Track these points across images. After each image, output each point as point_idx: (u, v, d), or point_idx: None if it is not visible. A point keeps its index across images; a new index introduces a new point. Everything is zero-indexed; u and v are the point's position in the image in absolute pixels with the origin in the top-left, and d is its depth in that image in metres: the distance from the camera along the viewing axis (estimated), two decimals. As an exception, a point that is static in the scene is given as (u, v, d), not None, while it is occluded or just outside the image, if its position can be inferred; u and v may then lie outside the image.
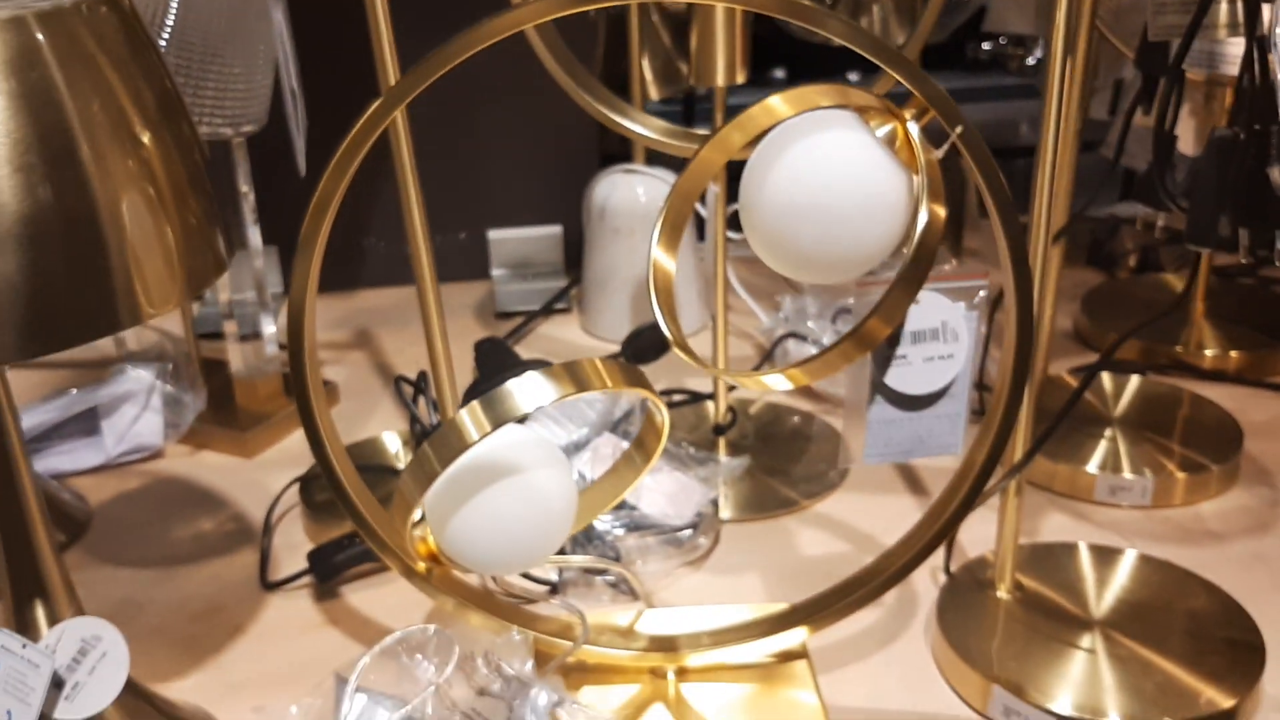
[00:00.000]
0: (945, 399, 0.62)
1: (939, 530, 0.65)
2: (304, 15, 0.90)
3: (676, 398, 1.06)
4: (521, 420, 0.66)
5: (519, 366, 1.06)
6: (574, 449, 0.91)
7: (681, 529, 0.85)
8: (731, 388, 1.00)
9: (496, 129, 1.36)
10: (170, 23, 0.76)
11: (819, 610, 0.69)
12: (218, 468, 1.02)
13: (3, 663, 0.61)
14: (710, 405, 1.01)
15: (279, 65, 0.79)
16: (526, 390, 0.60)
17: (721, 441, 0.99)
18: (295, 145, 0.82)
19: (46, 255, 0.50)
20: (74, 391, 1.05)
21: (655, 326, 1.10)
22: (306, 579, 0.85)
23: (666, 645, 0.70)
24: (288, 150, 0.88)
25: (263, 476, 1.00)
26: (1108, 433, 0.96)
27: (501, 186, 1.40)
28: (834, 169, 0.55)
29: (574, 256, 1.39)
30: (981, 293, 0.60)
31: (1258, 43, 0.60)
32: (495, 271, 1.40)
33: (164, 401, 1.05)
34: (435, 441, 0.60)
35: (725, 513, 0.91)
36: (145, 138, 0.53)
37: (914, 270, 0.54)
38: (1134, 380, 1.04)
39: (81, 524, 0.94)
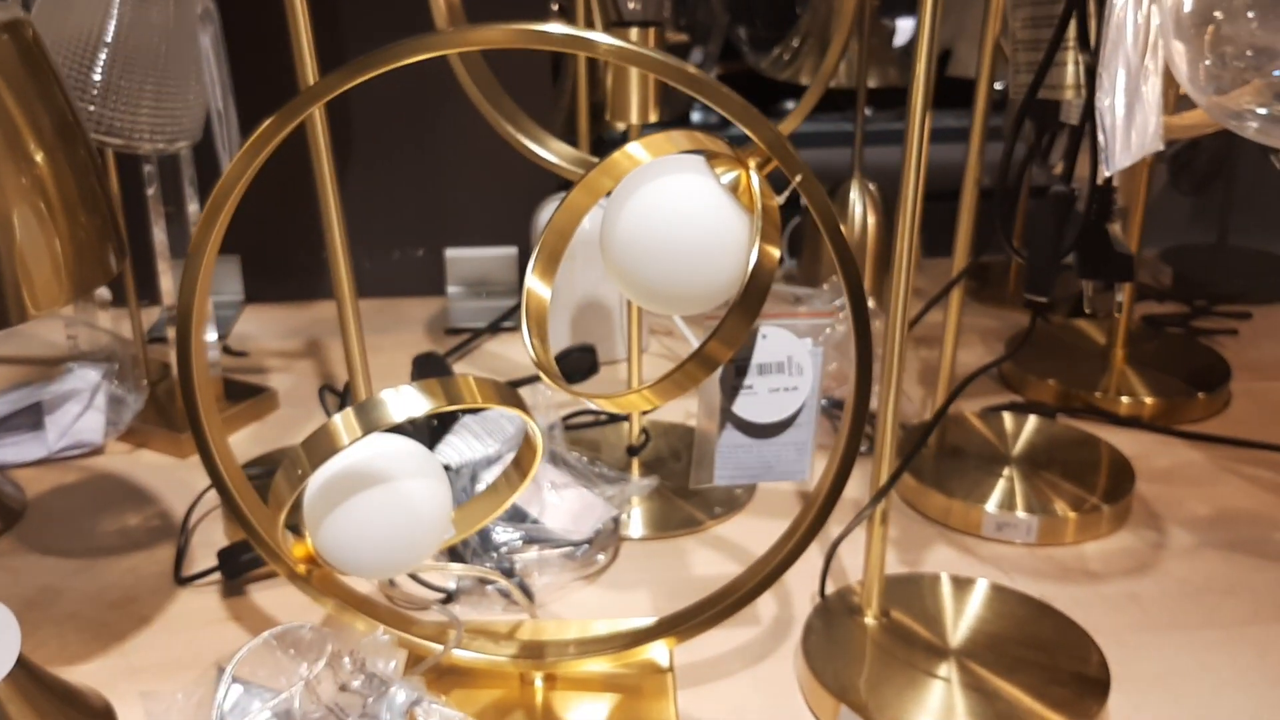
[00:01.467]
0: (792, 428, 0.66)
1: (788, 553, 0.69)
2: (241, 38, 0.94)
3: (597, 417, 1.10)
4: (416, 430, 0.70)
5: (447, 382, 1.10)
6: (488, 463, 0.95)
7: (579, 544, 0.89)
8: (646, 411, 1.03)
9: (459, 150, 1.41)
10: (108, 41, 0.81)
11: (680, 624, 0.72)
12: (153, 466, 1.07)
13: (-105, 637, 0.65)
14: (626, 426, 1.05)
15: (209, 89, 0.83)
16: (399, 401, 0.64)
17: (635, 462, 1.03)
18: (221, 164, 0.86)
19: None
20: (23, 389, 1.09)
21: (583, 348, 1.15)
22: (216, 576, 0.89)
23: (535, 652, 0.74)
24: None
25: (194, 477, 1.04)
26: (1006, 471, 0.99)
27: (461, 206, 1.45)
28: (677, 210, 0.59)
29: (528, 277, 1.43)
30: (827, 330, 0.64)
31: (1090, 103, 0.63)
32: (450, 289, 1.44)
33: (108, 401, 1.09)
34: (308, 443, 0.64)
35: (637, 531, 0.95)
36: (39, 157, 0.57)
37: (746, 303, 0.58)
38: (1033, 421, 1.07)
39: (16, 513, 0.98)
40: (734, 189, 0.60)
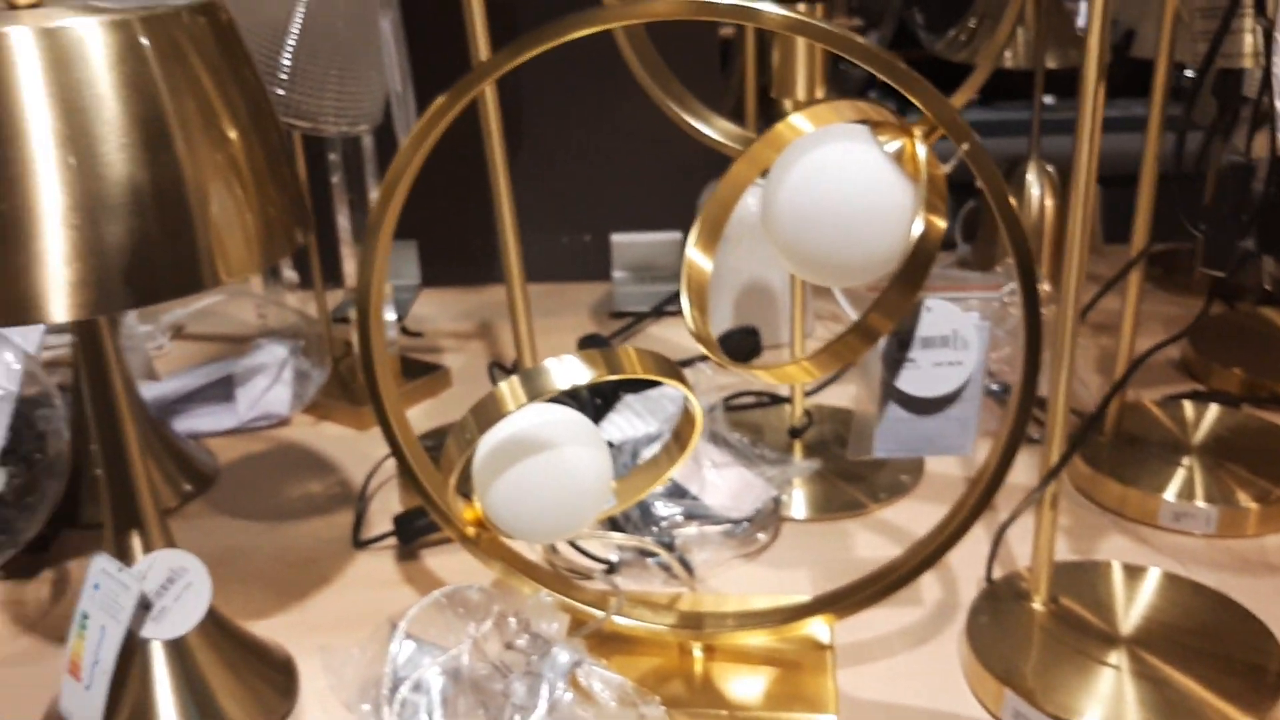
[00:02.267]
0: (956, 403, 0.65)
1: (950, 534, 0.68)
2: (419, 23, 0.98)
3: (759, 399, 1.10)
4: (573, 400, 0.72)
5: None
6: (648, 441, 0.97)
7: (739, 522, 0.89)
8: (809, 391, 1.03)
9: (626, 136, 1.43)
10: (296, 28, 0.85)
11: (838, 601, 0.72)
12: (334, 437, 1.12)
13: (102, 583, 0.70)
14: (788, 409, 1.05)
15: (388, 70, 0.87)
16: (562, 369, 0.66)
17: (797, 444, 1.02)
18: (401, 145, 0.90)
19: (145, 223, 0.58)
20: (216, 363, 1.16)
21: (746, 330, 1.15)
22: (391, 541, 0.92)
23: (694, 622, 0.75)
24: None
25: (373, 448, 1.08)
26: (1185, 460, 0.95)
27: (627, 192, 1.47)
28: (842, 180, 0.59)
29: (694, 263, 1.44)
30: (995, 304, 0.62)
31: (1267, 69, 0.60)
32: (616, 274, 1.46)
33: (294, 375, 1.15)
34: (476, 409, 0.66)
35: (798, 512, 0.95)
36: (232, 135, 0.61)
37: (909, 274, 0.58)
38: (1216, 410, 1.02)
39: (209, 478, 1.04)
40: (898, 157, 0.60)
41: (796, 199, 0.60)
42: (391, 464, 1.03)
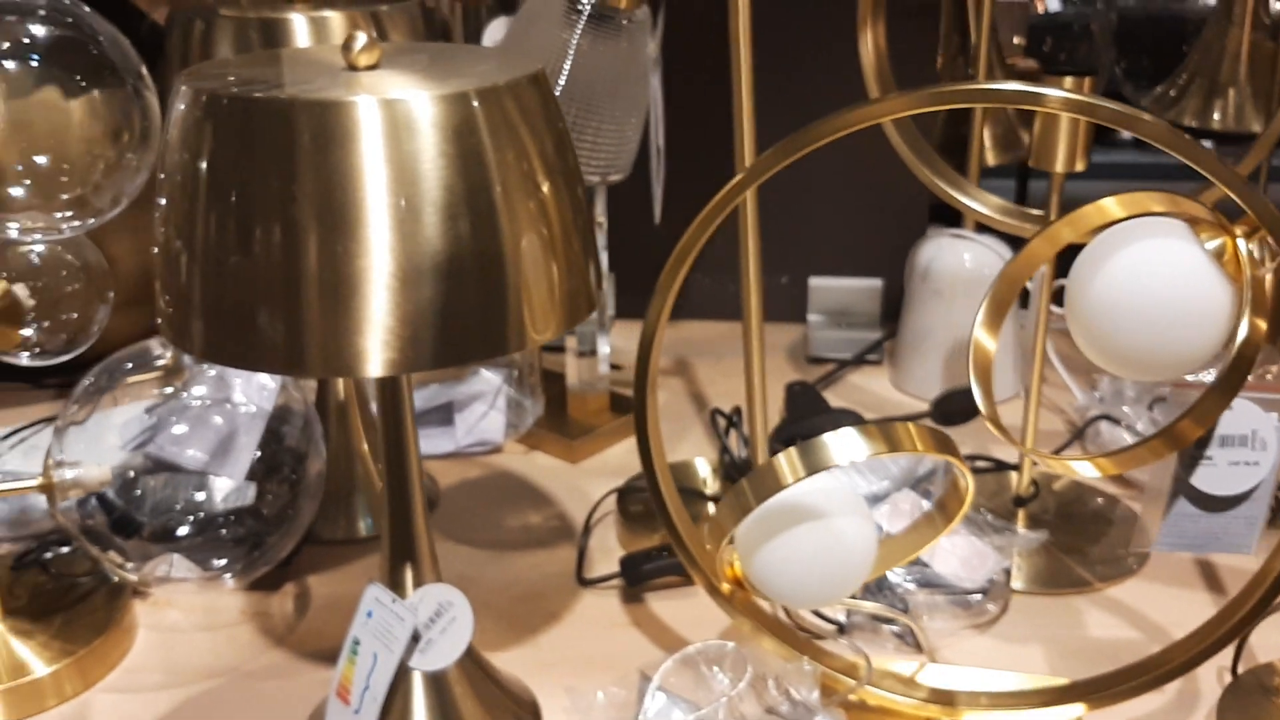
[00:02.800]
0: (1246, 502, 0.63)
1: (1228, 631, 0.66)
2: (676, 84, 1.00)
3: (980, 464, 1.09)
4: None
5: (828, 414, 1.12)
6: (874, 500, 0.97)
7: (972, 592, 0.89)
8: (1037, 463, 1.02)
9: (830, 179, 1.43)
10: (562, 82, 0.87)
11: (1099, 690, 0.71)
12: (546, 468, 1.14)
13: (377, 612, 0.73)
14: (1013, 475, 1.03)
15: (649, 124, 0.89)
16: (841, 445, 0.66)
17: (1021, 513, 1.01)
18: (655, 195, 0.92)
19: (459, 286, 0.60)
20: (435, 386, 1.19)
21: (966, 391, 1.14)
22: (616, 581, 0.94)
23: (945, 699, 0.74)
24: (639, 194, 0.98)
25: (584, 482, 1.10)
26: None
27: (828, 236, 1.47)
28: (1161, 277, 0.58)
29: (891, 310, 1.44)
30: (1299, 406, 0.61)
31: None
32: (812, 317, 1.46)
33: (507, 403, 1.17)
34: (753, 479, 0.68)
35: (1017, 583, 0.93)
36: (545, 187, 0.63)
37: (1231, 379, 0.57)
38: None
39: (432, 502, 1.07)
40: (1218, 256, 0.59)
41: (1112, 293, 0.59)
42: (608, 501, 1.05)
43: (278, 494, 0.89)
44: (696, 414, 1.25)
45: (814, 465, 0.66)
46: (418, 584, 0.74)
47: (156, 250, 0.63)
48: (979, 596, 0.88)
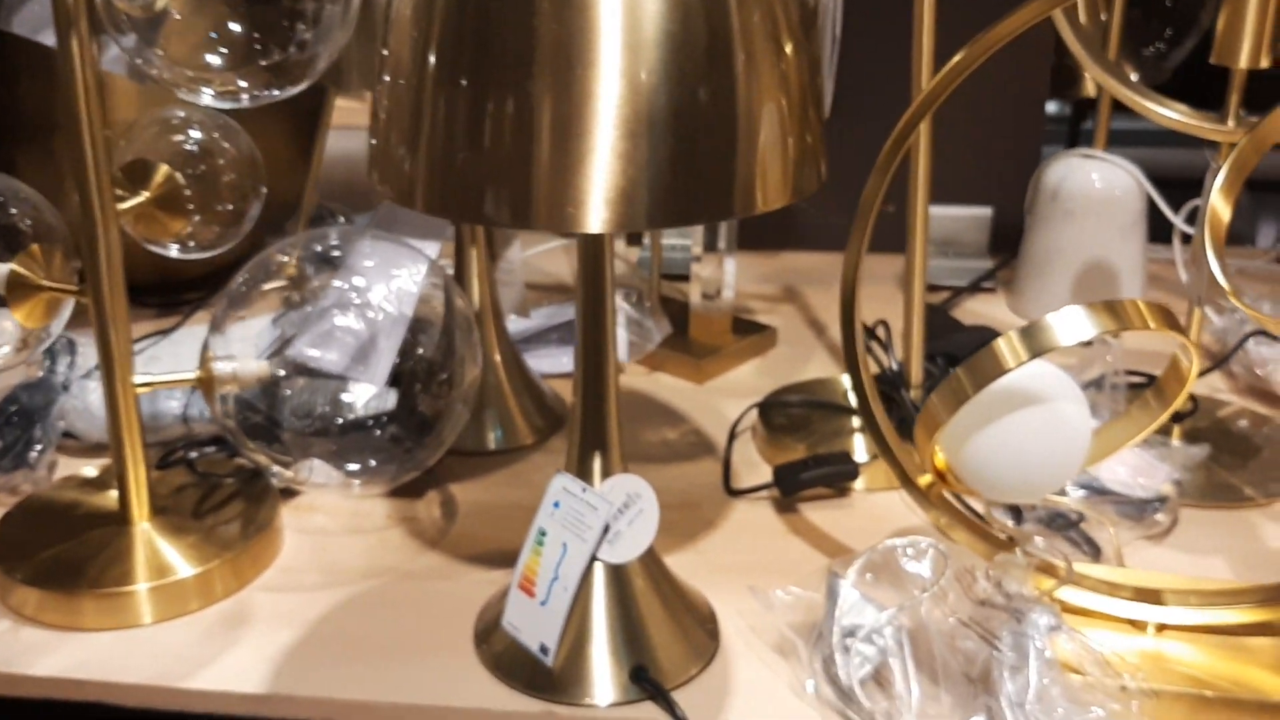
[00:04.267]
0: None
1: None
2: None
3: (1134, 379, 1.06)
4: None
5: (968, 331, 1.09)
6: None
7: (1145, 502, 0.86)
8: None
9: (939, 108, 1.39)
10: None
11: (1319, 588, 0.68)
12: (673, 388, 1.11)
13: (565, 502, 0.70)
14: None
15: (823, 12, 0.85)
16: (1066, 324, 0.63)
17: (1176, 428, 0.98)
18: (825, 88, 0.88)
19: (692, 144, 0.57)
20: (554, 306, 1.16)
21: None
22: (768, 491, 0.91)
23: (1151, 598, 0.71)
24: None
25: (714, 400, 1.08)
26: None
27: (934, 163, 1.43)
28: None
29: (1000, 240, 1.40)
30: None
31: None
32: (920, 246, 1.43)
33: (629, 324, 1.14)
34: (970, 366, 0.65)
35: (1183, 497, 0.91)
36: (788, 50, 0.59)
37: None
38: None
39: (560, 418, 1.04)
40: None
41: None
42: (749, 417, 1.02)
43: (431, 398, 0.87)
44: (816, 338, 1.22)
45: (1038, 347, 0.63)
46: (606, 473, 0.71)
47: (379, 92, 0.60)
48: (1154, 506, 0.86)
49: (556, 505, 0.71)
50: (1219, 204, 0.65)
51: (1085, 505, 0.85)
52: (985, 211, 1.42)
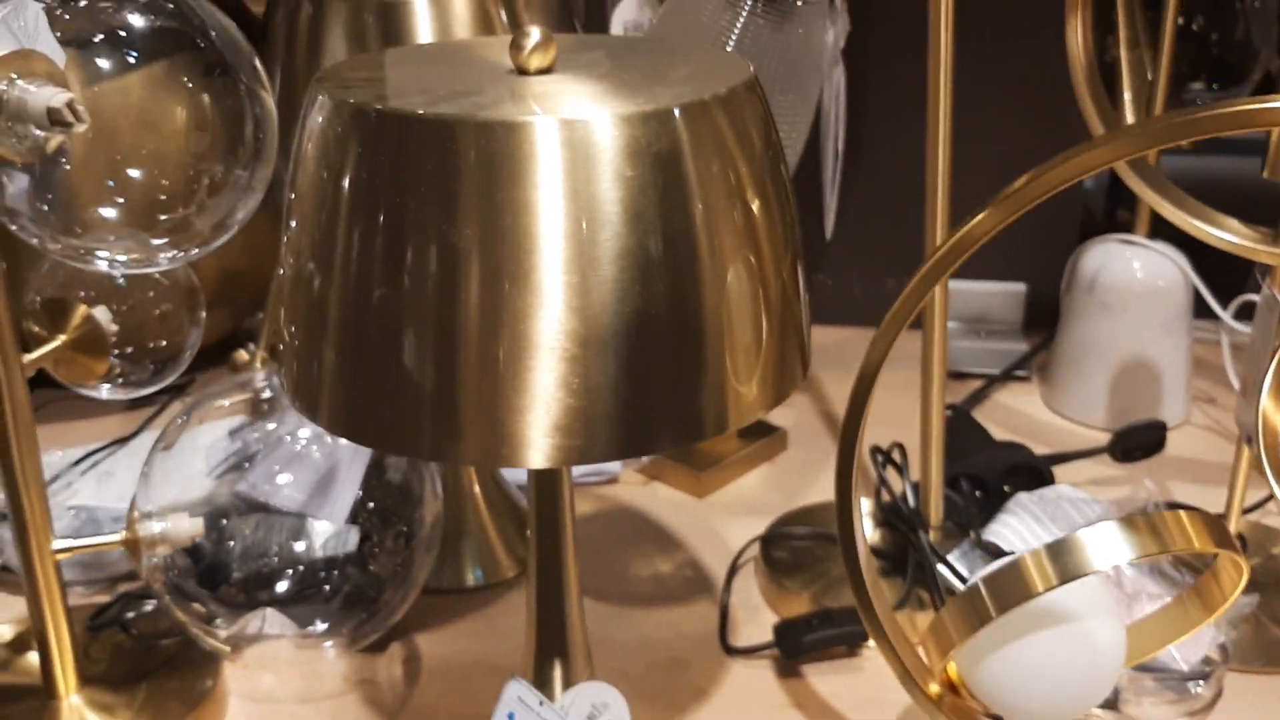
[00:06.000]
0: None
1: None
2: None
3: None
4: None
5: (997, 449, 0.99)
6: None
7: (1188, 677, 0.76)
8: (1246, 510, 0.89)
9: (973, 172, 1.29)
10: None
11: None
12: (670, 503, 1.02)
13: (518, 714, 0.62)
14: (1215, 528, 0.90)
15: (824, 124, 0.76)
16: (1102, 545, 0.54)
17: (1225, 572, 0.88)
18: (826, 204, 0.79)
19: (650, 361, 0.47)
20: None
21: (1149, 425, 1.01)
22: (769, 650, 0.82)
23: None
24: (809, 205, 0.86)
25: (715, 520, 0.99)
26: None
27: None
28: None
29: (1035, 319, 1.30)
30: None
31: None
32: (949, 324, 1.33)
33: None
34: (992, 584, 0.56)
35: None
36: (764, 245, 0.50)
37: None
38: None
39: (545, 543, 0.95)
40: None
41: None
42: (750, 551, 0.93)
43: (388, 545, 0.78)
44: (831, 438, 1.13)
45: (1069, 572, 0.54)
46: (568, 681, 0.62)
47: (278, 287, 0.52)
48: (1198, 684, 0.76)
49: (510, 717, 0.62)
50: (1271, 410, 0.55)
51: (1123, 681, 0.76)
52: (1019, 288, 1.32)
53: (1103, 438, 1.10)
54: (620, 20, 0.95)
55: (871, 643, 0.81)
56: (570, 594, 0.60)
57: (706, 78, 0.49)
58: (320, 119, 0.48)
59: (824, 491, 1.01)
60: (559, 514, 0.58)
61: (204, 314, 0.77)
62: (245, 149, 0.56)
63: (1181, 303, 1.10)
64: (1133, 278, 1.10)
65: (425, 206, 0.46)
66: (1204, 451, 1.07)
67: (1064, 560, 0.54)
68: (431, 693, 0.79)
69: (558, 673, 0.62)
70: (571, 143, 0.45)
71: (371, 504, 0.78)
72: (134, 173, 0.56)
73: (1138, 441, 0.98)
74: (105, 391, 0.77)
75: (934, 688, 0.62)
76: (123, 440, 1.04)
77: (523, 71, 0.50)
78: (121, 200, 0.56)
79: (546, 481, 0.58)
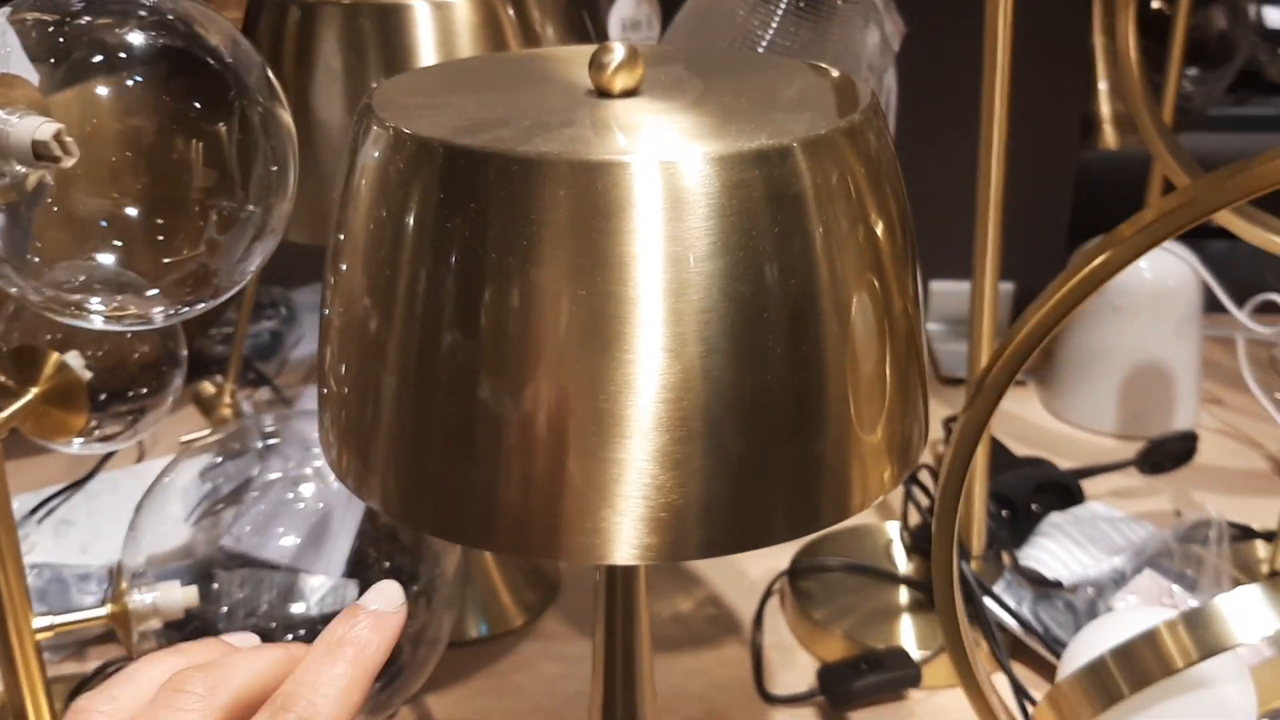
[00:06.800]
0: None
1: None
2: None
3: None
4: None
5: (1023, 467, 0.94)
6: (1113, 584, 0.80)
7: None
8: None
9: (962, 172, 1.25)
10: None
11: None
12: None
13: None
14: (1259, 545, 0.87)
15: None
16: (1245, 615, 0.49)
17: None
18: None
19: (762, 443, 0.41)
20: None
21: (1179, 437, 0.97)
22: (814, 698, 0.76)
23: None
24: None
25: (729, 550, 0.93)
26: None
27: (951, 233, 1.29)
28: None
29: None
30: None
31: None
32: (932, 326, 1.29)
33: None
34: (1122, 659, 0.51)
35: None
36: (896, 304, 0.44)
37: None
38: None
39: (554, 586, 0.88)
40: None
41: None
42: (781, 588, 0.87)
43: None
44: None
45: (1211, 646, 0.49)
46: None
47: (324, 346, 0.45)
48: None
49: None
50: None
51: None
52: (1006, 287, 1.28)
53: (1113, 444, 1.06)
54: (617, 18, 0.88)
55: (915, 688, 0.77)
56: (645, 703, 0.54)
57: (822, 102, 0.43)
58: (376, 153, 0.41)
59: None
60: (633, 619, 0.51)
61: (185, 353, 0.69)
62: (258, 183, 0.48)
63: (1193, 303, 1.06)
64: (1142, 278, 1.07)
65: (505, 254, 0.39)
66: (1223, 458, 1.04)
67: (1204, 633, 0.49)
68: (452, 766, 0.72)
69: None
70: (674, 185, 0.38)
71: (388, 564, 0.71)
72: (131, 211, 0.48)
73: (1168, 453, 0.94)
74: (77, 446, 0.68)
75: (1033, 753, 0.57)
76: (78, 483, 0.95)
77: (605, 93, 0.43)
78: (119, 243, 0.48)
79: (621, 586, 0.51)
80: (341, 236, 0.43)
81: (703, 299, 0.39)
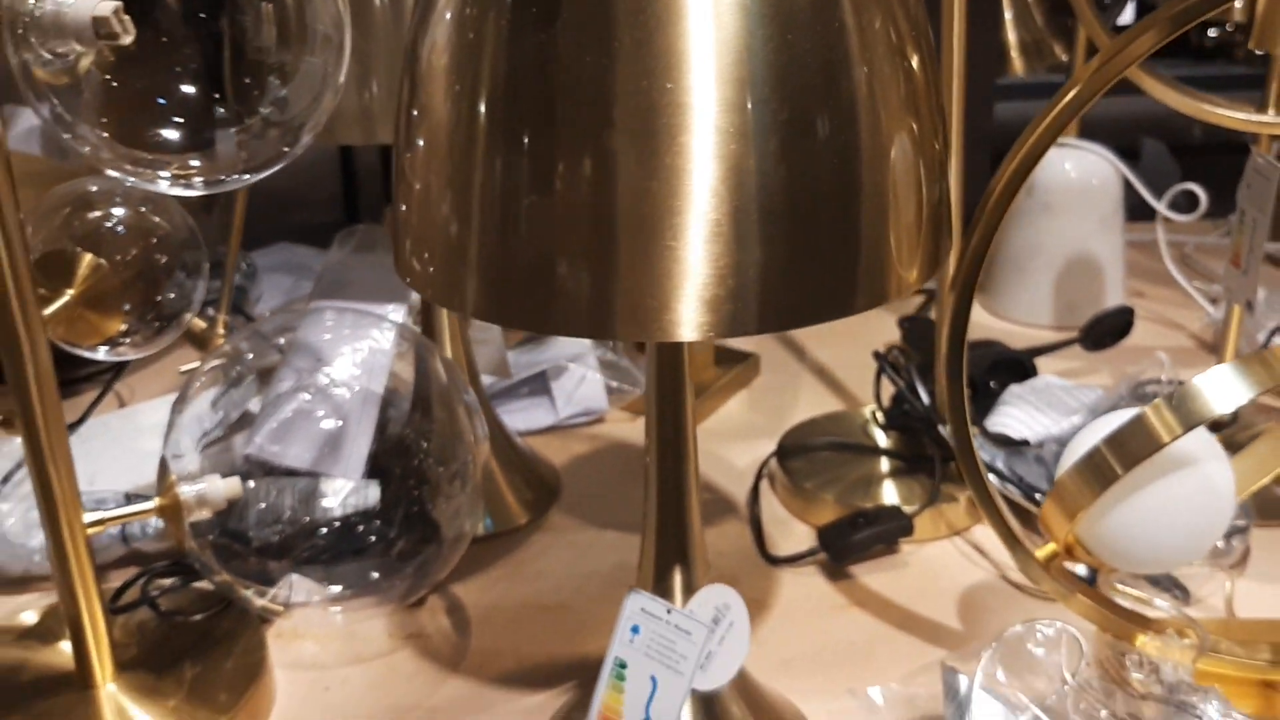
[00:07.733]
0: None
1: None
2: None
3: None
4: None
5: (978, 348, 1.01)
6: (1075, 433, 0.86)
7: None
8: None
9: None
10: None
11: None
12: (662, 435, 1.00)
13: (647, 627, 0.60)
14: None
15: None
16: (1219, 389, 0.56)
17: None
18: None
19: (811, 228, 0.46)
20: (515, 352, 1.04)
21: (1117, 311, 1.04)
22: (815, 556, 0.82)
23: (1294, 657, 0.65)
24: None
25: (712, 445, 0.98)
26: None
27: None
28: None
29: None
30: None
31: None
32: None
33: (605, 369, 1.03)
34: (1117, 443, 0.57)
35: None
36: (921, 94, 0.49)
37: None
38: None
39: (553, 488, 0.92)
40: None
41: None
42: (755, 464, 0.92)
43: (444, 490, 0.74)
44: (799, 362, 1.13)
45: (1192, 418, 0.56)
46: (689, 588, 0.61)
47: (405, 173, 0.48)
48: (1232, 535, 0.79)
49: (635, 630, 0.60)
50: None
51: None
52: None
53: (1052, 335, 1.13)
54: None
55: (907, 539, 0.82)
56: (690, 493, 0.59)
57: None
58: None
59: (807, 409, 1.01)
60: (680, 397, 0.56)
61: (207, 264, 0.71)
62: (317, 32, 0.51)
63: (1115, 198, 1.14)
64: (1068, 178, 1.14)
65: (579, 85, 0.43)
66: (1152, 338, 1.12)
67: (1186, 408, 0.55)
68: (488, 638, 0.76)
69: (678, 580, 0.60)
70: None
71: (425, 443, 0.74)
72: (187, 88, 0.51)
73: (1108, 327, 1.01)
74: (103, 353, 0.70)
75: (1044, 551, 0.63)
76: (71, 426, 0.96)
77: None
78: (180, 119, 0.51)
79: (668, 362, 0.56)
80: (422, 63, 0.46)
81: (756, 98, 0.44)
